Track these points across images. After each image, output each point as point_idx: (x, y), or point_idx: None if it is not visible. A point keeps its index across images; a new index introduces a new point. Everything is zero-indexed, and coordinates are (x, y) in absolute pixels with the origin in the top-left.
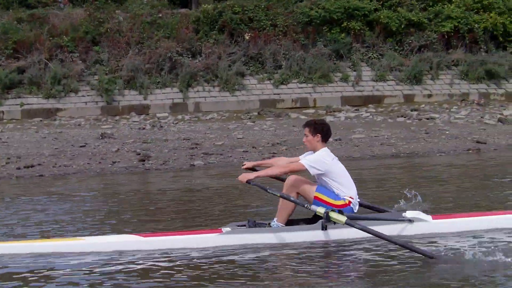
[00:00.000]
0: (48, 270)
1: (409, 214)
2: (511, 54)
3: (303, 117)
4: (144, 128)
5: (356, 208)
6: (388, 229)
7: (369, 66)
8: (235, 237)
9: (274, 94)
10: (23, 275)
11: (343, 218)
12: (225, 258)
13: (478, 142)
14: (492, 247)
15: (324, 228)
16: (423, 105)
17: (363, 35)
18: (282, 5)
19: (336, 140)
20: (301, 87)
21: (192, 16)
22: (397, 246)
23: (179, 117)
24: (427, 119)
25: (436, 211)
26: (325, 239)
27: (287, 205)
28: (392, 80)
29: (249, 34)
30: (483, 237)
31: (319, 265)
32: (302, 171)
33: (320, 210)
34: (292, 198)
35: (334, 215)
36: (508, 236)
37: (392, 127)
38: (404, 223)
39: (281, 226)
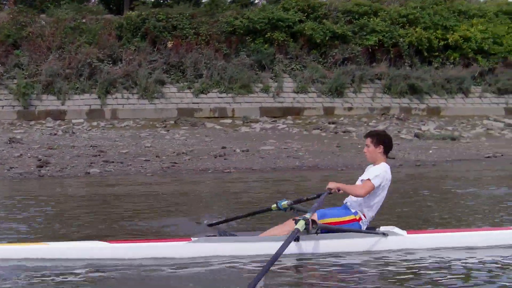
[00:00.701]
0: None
1: (383, 228)
2: (436, 69)
3: (218, 127)
4: (55, 134)
5: (364, 227)
6: (362, 242)
7: (291, 78)
8: (205, 246)
9: (193, 103)
10: None
11: (300, 224)
12: (193, 268)
13: (387, 157)
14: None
15: (296, 239)
16: (342, 118)
17: (286, 46)
18: (207, 14)
19: (243, 151)
20: (221, 97)
21: (116, 22)
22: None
23: (95, 123)
24: (344, 132)
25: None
26: (297, 251)
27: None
28: (314, 92)
29: (172, 42)
30: (455, 254)
31: (289, 277)
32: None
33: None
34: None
35: (299, 223)
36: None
37: (306, 139)
38: (378, 237)
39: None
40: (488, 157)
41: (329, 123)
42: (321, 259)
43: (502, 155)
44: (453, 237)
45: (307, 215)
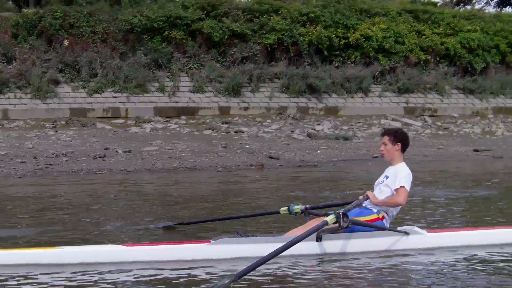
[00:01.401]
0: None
1: (404, 228)
2: (336, 68)
3: (109, 127)
4: None
5: (388, 224)
6: (384, 240)
7: (189, 77)
8: (225, 247)
9: (86, 103)
10: None
11: (330, 218)
12: (214, 269)
13: (271, 157)
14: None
15: (319, 239)
16: (236, 118)
17: (185, 45)
18: (106, 12)
19: (125, 152)
20: (115, 97)
21: (11, 20)
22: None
23: None
24: (235, 132)
25: None
26: (319, 251)
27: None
28: (211, 91)
29: (68, 40)
30: (477, 252)
31: (311, 280)
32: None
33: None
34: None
35: (330, 217)
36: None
37: (194, 140)
38: (400, 235)
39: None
40: (376, 157)
41: (222, 123)
42: (342, 259)
43: None
44: (473, 235)
45: (338, 211)
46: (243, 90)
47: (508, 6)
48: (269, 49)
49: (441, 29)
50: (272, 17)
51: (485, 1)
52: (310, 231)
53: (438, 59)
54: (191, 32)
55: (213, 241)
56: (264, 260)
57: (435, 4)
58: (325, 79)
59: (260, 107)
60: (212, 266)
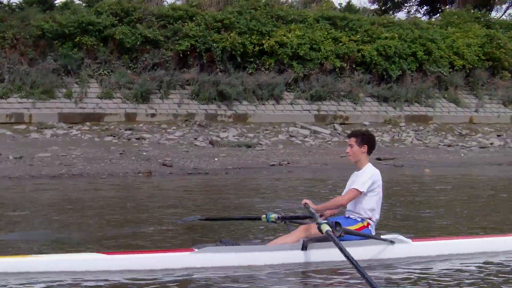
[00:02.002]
0: None
1: (388, 236)
2: (249, 75)
3: (9, 133)
4: None
5: (373, 231)
6: (370, 249)
7: (98, 83)
8: (209, 256)
9: None
10: None
11: (325, 227)
12: (197, 279)
13: (164, 165)
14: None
15: (304, 248)
16: (141, 125)
17: (96, 51)
18: (17, 17)
19: (15, 158)
20: (21, 102)
21: None
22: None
23: None
24: (137, 139)
25: None
26: (304, 261)
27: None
28: (119, 98)
29: None
30: (462, 261)
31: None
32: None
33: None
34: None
35: (324, 226)
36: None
37: (93, 146)
38: (385, 244)
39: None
40: (273, 165)
41: (126, 129)
42: (327, 268)
43: (288, 163)
44: (458, 244)
45: (322, 220)
46: (152, 97)
47: (438, 14)
48: (181, 55)
49: (358, 36)
50: (186, 24)
51: (414, 9)
52: (337, 243)
53: (354, 66)
54: (103, 38)
55: (196, 250)
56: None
57: (356, 10)
58: (237, 86)
59: (168, 114)
60: (195, 275)
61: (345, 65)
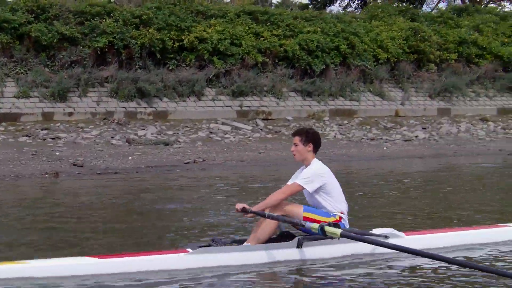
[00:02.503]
0: None
1: (381, 231)
2: (171, 71)
3: None
4: None
5: (347, 224)
6: (365, 245)
7: (15, 82)
8: (205, 257)
9: None
10: None
11: (337, 231)
12: (193, 280)
13: (74, 165)
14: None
15: (299, 245)
16: (58, 124)
17: (12, 49)
18: None
19: None
20: None
21: None
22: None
23: None
24: (53, 139)
25: None
26: (300, 258)
27: (269, 226)
28: (36, 97)
29: None
30: (457, 253)
31: (290, 284)
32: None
33: (314, 226)
34: (287, 218)
35: (329, 228)
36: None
37: (6, 147)
38: (380, 239)
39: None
40: (187, 163)
41: (42, 129)
42: (323, 265)
43: (203, 161)
44: (451, 236)
45: (316, 224)
46: (70, 95)
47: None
48: (99, 52)
49: (280, 30)
50: (104, 20)
51: (346, 3)
52: (359, 236)
53: (277, 61)
54: (19, 36)
55: (191, 250)
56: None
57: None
58: (156, 82)
59: (86, 112)
60: (191, 277)
61: (268, 60)
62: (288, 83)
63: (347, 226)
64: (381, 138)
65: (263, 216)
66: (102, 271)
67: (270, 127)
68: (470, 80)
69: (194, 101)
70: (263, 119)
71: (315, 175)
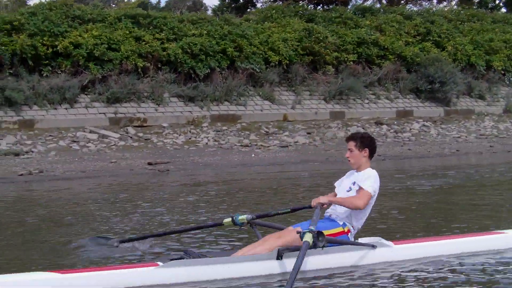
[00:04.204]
0: None
1: (369, 240)
2: (45, 78)
3: None
4: None
5: (352, 237)
6: (350, 255)
7: None
8: (176, 270)
9: None
10: None
11: (307, 237)
12: None
13: None
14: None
15: (279, 257)
16: None
17: None
18: None
19: None
20: None
21: None
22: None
23: None
24: None
25: None
26: (280, 271)
27: (268, 247)
28: None
29: None
30: (445, 262)
31: None
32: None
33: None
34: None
35: (306, 235)
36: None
37: None
38: (367, 249)
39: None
40: (21, 175)
41: None
42: (306, 277)
43: (40, 172)
44: (440, 245)
45: (312, 227)
46: None
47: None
48: None
49: (163, 34)
50: None
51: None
52: (301, 256)
53: (159, 65)
54: None
55: (161, 264)
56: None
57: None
58: (24, 90)
59: None
60: None
61: (149, 64)
62: (169, 88)
63: (351, 239)
64: (256, 145)
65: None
66: None
67: (141, 134)
68: (370, 82)
69: (66, 108)
70: (137, 126)
71: (377, 183)
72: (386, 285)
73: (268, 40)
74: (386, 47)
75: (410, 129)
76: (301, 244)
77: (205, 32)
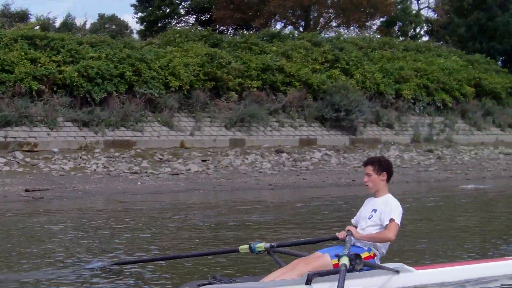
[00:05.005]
0: None
1: (392, 265)
2: None
3: None
4: None
5: (378, 262)
6: (376, 280)
7: None
8: None
9: None
10: None
11: (344, 260)
12: None
13: None
14: None
15: (308, 282)
16: None
17: None
18: None
19: None
20: None
21: None
22: None
23: None
24: None
25: None
26: None
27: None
28: None
29: None
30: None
31: None
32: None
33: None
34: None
35: (343, 259)
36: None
37: None
38: (391, 274)
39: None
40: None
41: None
42: None
43: None
44: (462, 270)
45: (346, 251)
46: None
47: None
48: None
49: (60, 56)
50: None
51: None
52: (342, 279)
53: (55, 88)
54: None
55: None
56: None
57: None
58: None
59: None
60: None
61: (44, 87)
62: (64, 112)
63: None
64: (146, 172)
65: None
66: None
67: (28, 159)
68: (274, 109)
69: None
70: (27, 151)
71: (400, 208)
72: None
73: (169, 65)
74: (292, 73)
75: (311, 157)
76: (330, 268)
77: (104, 55)
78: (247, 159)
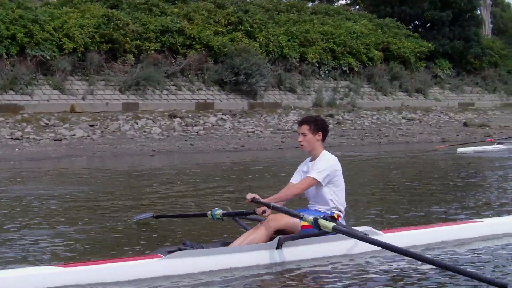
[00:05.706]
0: None
1: (360, 229)
2: None
3: None
4: None
5: (343, 222)
6: (342, 244)
7: None
8: (181, 261)
9: None
10: None
11: (330, 224)
12: None
13: None
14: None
15: (279, 246)
16: None
17: None
18: None
19: None
20: None
21: None
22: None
23: None
24: None
25: None
26: (280, 260)
27: (261, 236)
28: None
29: None
30: (436, 250)
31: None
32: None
33: (309, 218)
34: (290, 210)
35: (322, 221)
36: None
37: None
38: (374, 238)
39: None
40: None
41: None
42: (300, 266)
43: None
44: (429, 233)
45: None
46: None
47: None
48: None
49: None
50: None
51: None
52: (346, 232)
53: None
54: None
55: (164, 256)
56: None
57: None
58: None
59: None
60: (165, 284)
61: None
62: None
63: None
64: (27, 138)
65: (268, 206)
66: (66, 282)
67: None
68: (172, 72)
69: None
70: None
71: (330, 167)
72: (377, 273)
73: (63, 26)
74: (193, 36)
75: (205, 122)
76: (299, 229)
77: None
78: (137, 123)
